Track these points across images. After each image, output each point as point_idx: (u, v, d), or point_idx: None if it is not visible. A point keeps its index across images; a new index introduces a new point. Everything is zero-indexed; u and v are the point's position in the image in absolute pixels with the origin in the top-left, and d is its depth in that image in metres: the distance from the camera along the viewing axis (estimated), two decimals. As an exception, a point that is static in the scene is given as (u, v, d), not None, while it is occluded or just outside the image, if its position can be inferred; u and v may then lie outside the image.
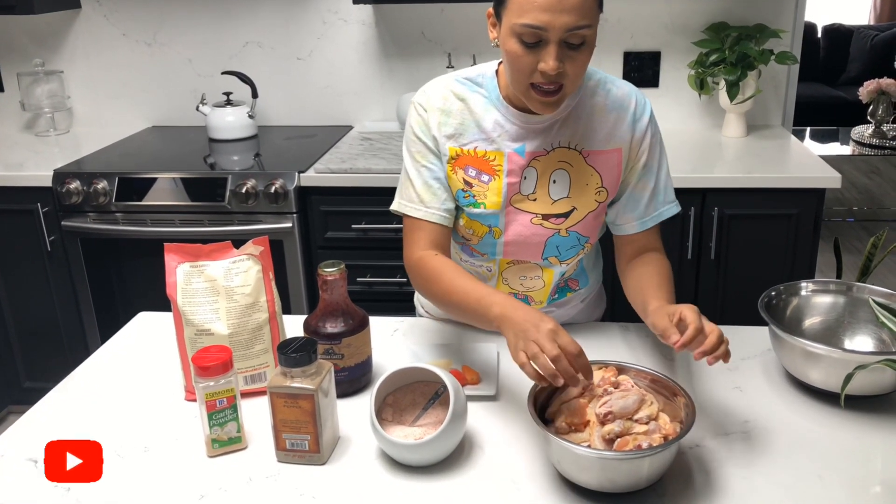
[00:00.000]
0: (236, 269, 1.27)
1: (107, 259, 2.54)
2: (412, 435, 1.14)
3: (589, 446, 1.04)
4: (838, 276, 2.08)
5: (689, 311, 1.12)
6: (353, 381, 1.30)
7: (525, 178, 1.32)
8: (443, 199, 1.35)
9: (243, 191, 2.38)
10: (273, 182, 2.38)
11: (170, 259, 1.27)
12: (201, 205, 2.43)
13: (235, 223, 2.42)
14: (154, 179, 2.45)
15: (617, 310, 1.69)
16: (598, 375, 1.14)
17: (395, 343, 1.48)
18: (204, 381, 1.13)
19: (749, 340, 1.44)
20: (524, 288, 1.42)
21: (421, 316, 1.60)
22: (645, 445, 1.00)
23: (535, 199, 1.33)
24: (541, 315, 1.10)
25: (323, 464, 1.14)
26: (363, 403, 1.12)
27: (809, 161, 2.42)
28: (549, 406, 1.13)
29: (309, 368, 1.11)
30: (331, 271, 1.26)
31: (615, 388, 1.11)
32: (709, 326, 1.11)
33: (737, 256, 2.36)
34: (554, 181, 1.33)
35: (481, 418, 1.23)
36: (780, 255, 2.35)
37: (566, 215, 1.33)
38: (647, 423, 1.05)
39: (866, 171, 4.69)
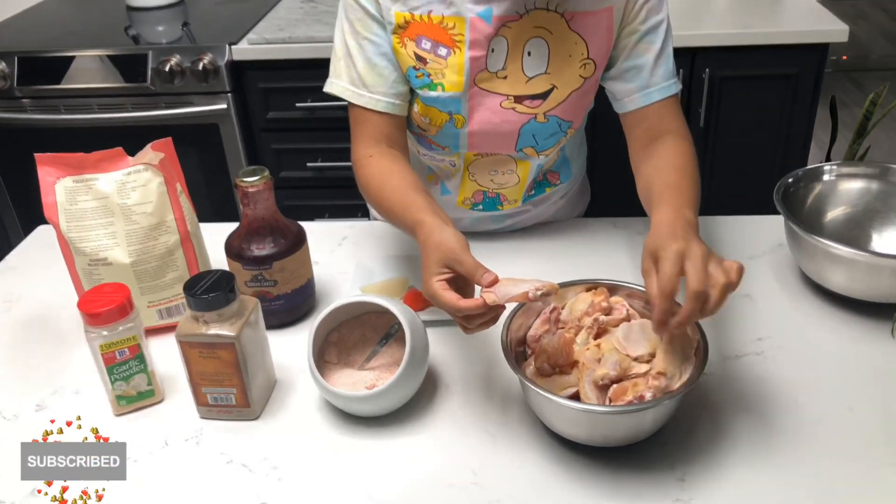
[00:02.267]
0: (132, 183, 1.01)
1: (23, 155, 2.23)
2: (362, 382, 0.93)
3: (577, 395, 0.84)
4: (833, 139, 1.88)
5: (684, 267, 0.81)
6: (290, 310, 1.08)
7: (493, 50, 1.05)
8: (391, 80, 1.08)
9: (167, 69, 2.06)
10: (201, 57, 2.06)
11: (44, 173, 1.00)
12: (122, 87, 2.11)
13: (162, 106, 2.12)
14: (64, 58, 2.11)
15: (601, 201, 1.46)
16: (585, 300, 0.93)
17: (343, 255, 1.25)
18: (96, 330, 0.90)
19: (757, 234, 1.23)
20: (495, 185, 1.19)
21: (375, 219, 1.36)
22: (648, 396, 0.80)
23: (505, 77, 1.07)
24: (433, 263, 0.87)
25: (255, 418, 0.94)
26: (305, 336, 0.91)
27: (811, 11, 2.13)
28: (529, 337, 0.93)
29: (227, 311, 0.89)
30: (252, 181, 1.01)
31: (606, 315, 0.91)
32: (711, 285, 0.81)
33: (729, 124, 2.12)
34: (529, 53, 1.06)
35: (447, 350, 1.03)
36: (776, 120, 2.11)
37: (544, 96, 1.07)
38: (648, 362, 0.85)
39: (852, 17, 4.39)
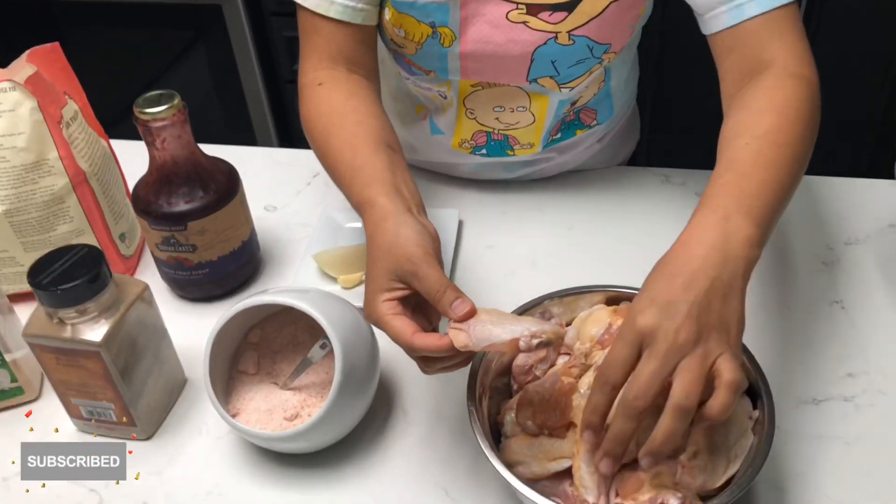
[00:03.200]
0: (-4, 106, 0.74)
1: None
2: (281, 408, 0.68)
3: (571, 483, 0.57)
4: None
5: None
6: (218, 281, 0.83)
7: None
8: None
9: (158, -66, 1.74)
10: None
11: None
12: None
13: (154, -20, 1.82)
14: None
15: (653, 141, 1.13)
16: (601, 320, 0.64)
17: (310, 199, 0.98)
18: (-77, 316, 0.66)
19: (862, 205, 0.91)
20: (503, 125, 0.88)
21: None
22: (673, 505, 0.53)
23: None
24: (381, 272, 0.60)
25: (146, 438, 0.71)
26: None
27: None
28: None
29: (91, 305, 0.63)
30: (154, 112, 0.73)
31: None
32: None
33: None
34: (552, -61, 0.73)
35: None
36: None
37: (570, 6, 0.74)
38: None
39: None
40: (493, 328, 0.55)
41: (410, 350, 0.57)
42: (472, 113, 0.86)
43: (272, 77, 1.95)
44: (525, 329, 0.56)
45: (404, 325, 0.57)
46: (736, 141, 0.63)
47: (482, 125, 0.87)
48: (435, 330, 0.61)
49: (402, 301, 0.59)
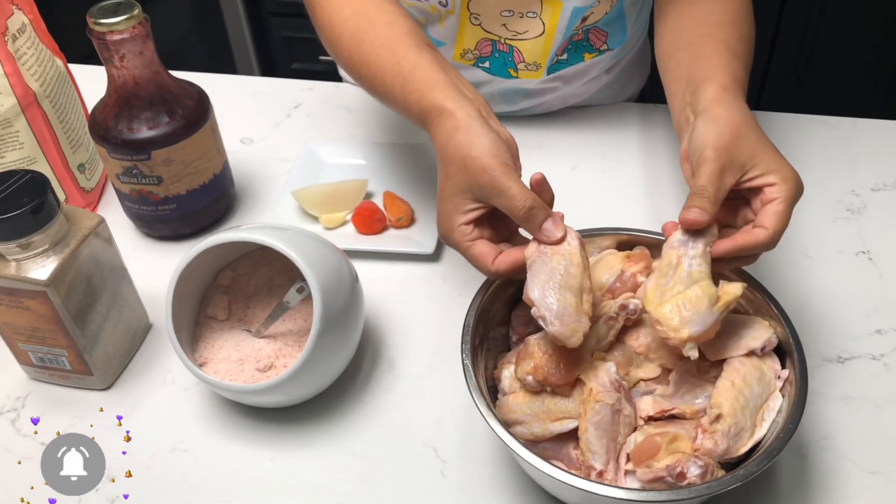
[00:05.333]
0: (-70, 15, 0.65)
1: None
2: (254, 358, 0.61)
3: (576, 433, 0.51)
4: None
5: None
6: (187, 217, 0.75)
7: None
8: None
9: None
10: None
11: None
12: None
13: None
14: None
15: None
16: (611, 265, 0.58)
17: (290, 132, 0.90)
18: None
19: (889, 151, 0.84)
20: (510, 32, 0.79)
21: (346, 81, 0.99)
22: (694, 473, 0.46)
23: None
24: (456, 191, 0.54)
25: (104, 389, 0.64)
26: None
27: None
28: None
29: (35, 239, 0.56)
30: (111, 24, 0.64)
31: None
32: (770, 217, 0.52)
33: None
34: None
35: (405, 300, 0.70)
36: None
37: None
38: (698, 401, 0.51)
39: None
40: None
41: (496, 277, 0.54)
42: (476, 18, 0.78)
43: (255, 9, 1.84)
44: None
45: (484, 251, 0.53)
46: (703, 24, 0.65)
47: (488, 32, 0.79)
48: (514, 235, 0.57)
49: (479, 221, 0.54)
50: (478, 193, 0.53)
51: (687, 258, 0.51)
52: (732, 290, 0.51)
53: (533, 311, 0.49)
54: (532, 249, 0.51)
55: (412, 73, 0.59)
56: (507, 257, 0.53)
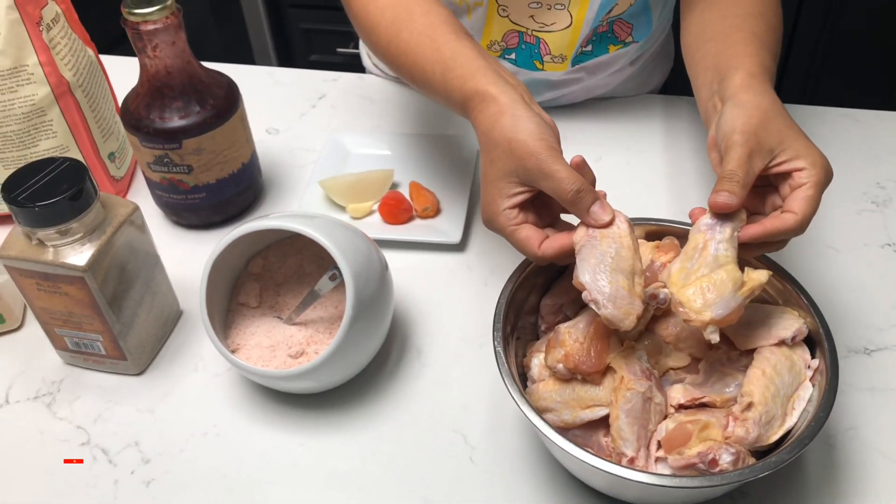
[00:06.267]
0: (-33, 4, 0.66)
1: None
2: (285, 344, 0.62)
3: (607, 420, 0.52)
4: None
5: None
6: (217, 206, 0.76)
7: None
8: None
9: None
10: None
11: None
12: None
13: None
14: None
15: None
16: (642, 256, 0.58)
17: (315, 122, 0.91)
18: None
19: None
20: (538, 24, 0.80)
21: (370, 72, 0.99)
22: (726, 460, 0.47)
23: None
24: (501, 175, 0.55)
25: (138, 374, 0.65)
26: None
27: None
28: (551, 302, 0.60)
29: (74, 226, 0.57)
30: (145, 14, 0.65)
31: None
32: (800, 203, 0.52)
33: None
34: None
35: (432, 289, 0.71)
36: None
37: None
38: (729, 390, 0.51)
39: None
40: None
41: (541, 262, 0.54)
42: (504, 10, 0.78)
43: (273, 1, 1.85)
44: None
45: (530, 235, 0.53)
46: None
47: (515, 23, 0.80)
48: (557, 221, 0.57)
49: (523, 206, 0.54)
50: (524, 177, 0.53)
51: (714, 242, 0.51)
52: (758, 276, 0.51)
53: (584, 295, 0.50)
54: (581, 234, 0.52)
55: (453, 60, 0.59)
56: (554, 242, 0.53)
